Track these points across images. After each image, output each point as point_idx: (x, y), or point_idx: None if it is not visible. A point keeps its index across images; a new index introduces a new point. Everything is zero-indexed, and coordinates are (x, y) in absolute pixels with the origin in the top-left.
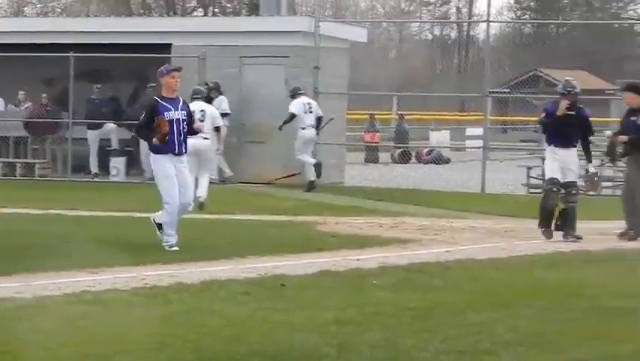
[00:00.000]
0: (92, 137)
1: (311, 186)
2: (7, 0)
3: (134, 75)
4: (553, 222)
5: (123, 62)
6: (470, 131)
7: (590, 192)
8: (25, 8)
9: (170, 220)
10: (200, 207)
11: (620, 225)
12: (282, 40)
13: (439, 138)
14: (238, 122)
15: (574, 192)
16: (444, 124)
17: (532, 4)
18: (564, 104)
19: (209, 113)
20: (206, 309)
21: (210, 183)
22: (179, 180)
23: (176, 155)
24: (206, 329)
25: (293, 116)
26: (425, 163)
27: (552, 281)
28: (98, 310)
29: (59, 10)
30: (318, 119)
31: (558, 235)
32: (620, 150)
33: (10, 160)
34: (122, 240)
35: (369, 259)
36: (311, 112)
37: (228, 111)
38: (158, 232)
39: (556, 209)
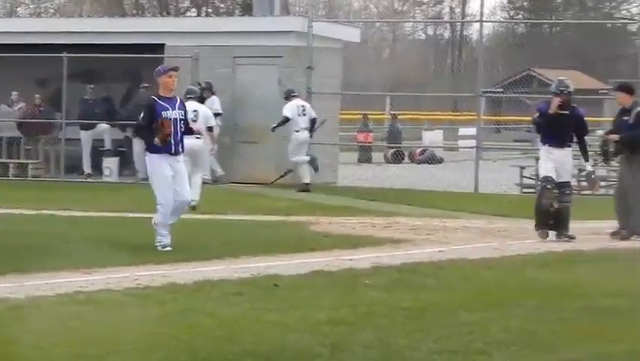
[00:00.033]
0: (85, 137)
1: (305, 189)
2: (0, 1)
3: (127, 75)
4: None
5: (116, 62)
6: (463, 131)
7: (586, 191)
8: (19, 9)
9: (163, 221)
10: (193, 208)
11: (613, 224)
12: (275, 41)
13: (432, 137)
14: (231, 123)
15: (568, 192)
16: (437, 124)
17: (525, 3)
18: (556, 101)
19: (202, 113)
20: (199, 309)
21: (203, 183)
22: (176, 178)
23: (172, 155)
24: (199, 329)
25: (287, 119)
26: (418, 163)
27: (545, 281)
28: (90, 310)
29: (52, 10)
30: (312, 121)
31: (551, 234)
32: (611, 149)
33: (3, 160)
34: (115, 240)
35: (362, 259)
36: (304, 115)
37: (220, 111)
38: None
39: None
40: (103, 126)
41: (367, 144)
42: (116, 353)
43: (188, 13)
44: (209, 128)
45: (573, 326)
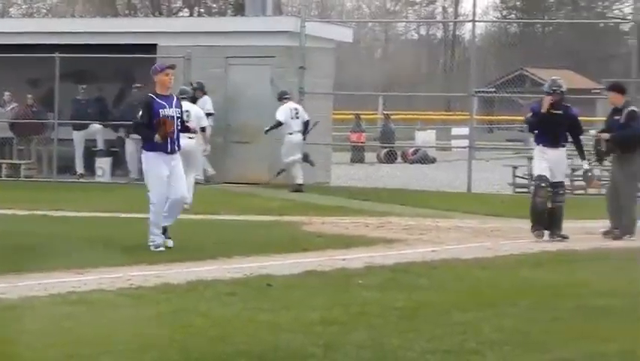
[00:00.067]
0: (78, 137)
1: (297, 189)
2: None
3: (119, 76)
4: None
5: (109, 62)
6: (456, 130)
7: (581, 191)
8: (11, 9)
9: (156, 220)
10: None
11: (606, 224)
12: (267, 41)
13: (425, 137)
14: (224, 123)
15: (561, 192)
16: (430, 124)
17: (517, 3)
18: (547, 100)
19: (195, 113)
20: (192, 309)
21: (196, 183)
22: (172, 176)
23: (168, 153)
24: (192, 330)
25: (279, 123)
26: (411, 163)
27: (538, 281)
28: (83, 310)
29: (45, 10)
30: (305, 124)
31: (545, 234)
32: (602, 148)
33: None
34: (108, 240)
35: (355, 258)
36: (297, 118)
37: (212, 111)
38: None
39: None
40: (95, 127)
41: (360, 144)
42: (109, 353)
43: (181, 14)
44: (202, 129)
45: (566, 326)
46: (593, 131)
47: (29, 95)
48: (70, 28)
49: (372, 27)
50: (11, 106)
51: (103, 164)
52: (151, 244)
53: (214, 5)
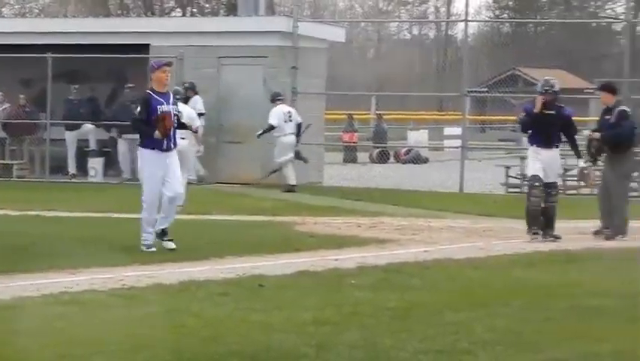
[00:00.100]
0: (70, 137)
1: (290, 189)
2: None
3: (112, 76)
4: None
5: (101, 62)
6: (449, 130)
7: (572, 191)
8: (3, 9)
9: (149, 218)
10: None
11: (598, 224)
12: (260, 41)
13: (418, 137)
14: (216, 123)
15: (554, 192)
16: (422, 124)
17: (510, 3)
18: (540, 100)
19: (187, 113)
20: (184, 310)
21: (188, 183)
22: (168, 173)
23: (164, 150)
24: (185, 330)
25: (272, 127)
26: (403, 163)
27: (530, 281)
28: (76, 311)
29: (37, 10)
30: (298, 126)
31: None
32: (593, 148)
33: None
34: (101, 240)
35: (347, 259)
36: (291, 120)
37: (203, 111)
38: (162, 242)
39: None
40: (88, 127)
41: (353, 144)
42: (101, 353)
43: (173, 13)
44: (194, 130)
45: (559, 326)
46: (586, 132)
47: (22, 96)
48: (63, 28)
49: (364, 27)
50: (3, 106)
51: (95, 164)
52: (144, 242)
53: (207, 5)
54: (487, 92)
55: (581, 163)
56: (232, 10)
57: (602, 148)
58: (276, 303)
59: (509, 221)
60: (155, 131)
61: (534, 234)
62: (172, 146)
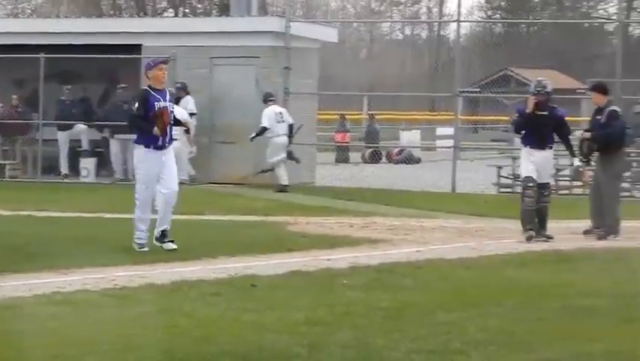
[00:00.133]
0: (62, 138)
1: (282, 189)
2: None
3: (104, 76)
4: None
5: (93, 62)
6: (441, 130)
7: (564, 191)
8: None
9: (142, 215)
10: None
11: (589, 223)
12: (252, 41)
13: (410, 137)
14: (209, 123)
15: (547, 193)
16: (414, 124)
17: (502, 3)
18: (532, 101)
19: (179, 115)
20: (176, 310)
21: (180, 183)
22: (164, 170)
23: (160, 148)
24: (177, 330)
25: (265, 129)
26: (396, 163)
27: (523, 280)
28: (68, 311)
29: (29, 11)
30: (290, 127)
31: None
32: (585, 148)
33: None
34: (93, 240)
35: (339, 259)
36: (283, 121)
37: (195, 111)
38: (161, 244)
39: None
40: (80, 127)
41: (345, 144)
42: (93, 353)
43: (166, 14)
44: (186, 131)
45: (551, 326)
46: (578, 132)
47: (14, 96)
48: (55, 28)
49: (357, 27)
50: None
51: (87, 164)
52: (137, 240)
53: (199, 5)
54: (479, 92)
55: (576, 162)
56: (224, 10)
57: (592, 148)
58: (268, 303)
59: (501, 221)
60: (153, 127)
61: (529, 234)
62: (167, 144)
